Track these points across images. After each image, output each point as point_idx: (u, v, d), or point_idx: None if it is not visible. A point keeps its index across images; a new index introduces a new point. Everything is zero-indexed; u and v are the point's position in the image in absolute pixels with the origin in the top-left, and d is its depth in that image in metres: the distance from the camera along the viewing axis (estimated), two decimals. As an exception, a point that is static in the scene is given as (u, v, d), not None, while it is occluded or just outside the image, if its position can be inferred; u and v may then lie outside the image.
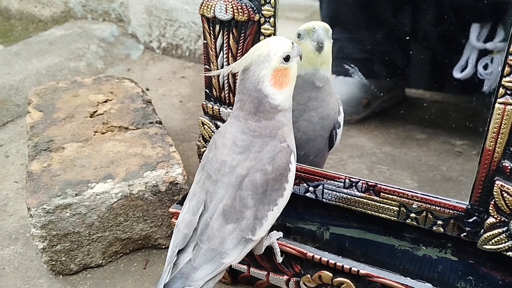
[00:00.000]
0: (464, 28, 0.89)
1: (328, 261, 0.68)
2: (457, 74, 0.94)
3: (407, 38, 0.97)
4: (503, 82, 0.58)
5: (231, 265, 0.75)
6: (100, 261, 0.86)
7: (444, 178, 0.92)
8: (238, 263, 0.76)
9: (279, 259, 0.71)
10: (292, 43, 0.59)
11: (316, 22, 0.70)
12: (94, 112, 1.04)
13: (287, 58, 0.57)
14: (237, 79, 0.62)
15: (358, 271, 0.66)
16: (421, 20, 0.96)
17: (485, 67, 0.97)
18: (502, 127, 0.59)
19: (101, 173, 0.84)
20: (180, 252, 0.58)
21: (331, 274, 0.69)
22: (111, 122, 1.00)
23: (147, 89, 1.51)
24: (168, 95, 1.52)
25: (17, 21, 2.15)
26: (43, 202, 0.78)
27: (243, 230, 0.57)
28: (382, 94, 1.06)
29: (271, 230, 0.71)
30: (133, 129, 0.98)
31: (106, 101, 1.09)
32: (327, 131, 0.76)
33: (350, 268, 0.67)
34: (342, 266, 0.67)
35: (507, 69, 0.57)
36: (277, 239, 0.71)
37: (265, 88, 0.57)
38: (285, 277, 0.74)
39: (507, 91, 0.58)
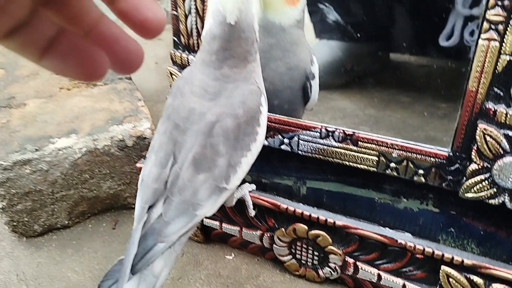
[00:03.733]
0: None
1: (302, 213, 0.65)
2: (443, 42, 0.90)
3: (392, 2, 0.93)
4: (487, 16, 0.54)
5: (203, 222, 0.72)
6: (66, 222, 0.81)
7: (428, 138, 0.89)
8: (210, 219, 0.72)
9: (252, 212, 0.67)
10: None
11: None
12: (60, 68, 0.98)
13: None
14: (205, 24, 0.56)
15: (334, 222, 0.63)
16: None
17: (472, 33, 0.93)
18: (485, 65, 0.55)
19: (65, 128, 0.78)
20: (149, 208, 0.53)
21: (306, 227, 0.66)
22: (77, 78, 0.94)
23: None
24: (143, 57, 1.46)
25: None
26: (1, 157, 0.72)
27: (216, 179, 0.53)
28: (366, 58, 1.01)
29: (243, 182, 0.67)
30: (101, 85, 0.92)
31: (73, 58, 1.03)
32: (298, 83, 0.71)
33: (326, 220, 0.63)
34: (318, 218, 0.64)
35: (491, 1, 0.52)
36: (250, 192, 0.67)
37: (256, 25, 0.54)
38: (259, 232, 0.70)
39: (492, 26, 0.53)
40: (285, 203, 0.66)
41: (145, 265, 0.49)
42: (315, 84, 0.74)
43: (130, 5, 0.22)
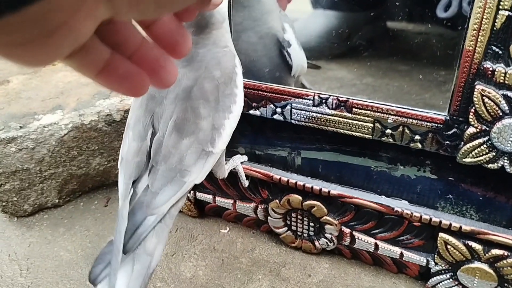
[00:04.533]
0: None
1: (296, 183, 0.63)
2: (441, 13, 0.87)
3: None
4: (486, -30, 0.51)
5: (196, 196, 0.70)
6: (57, 201, 0.79)
7: (427, 105, 0.87)
8: (203, 193, 0.70)
9: (245, 182, 0.65)
10: None
11: None
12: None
13: None
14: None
15: (329, 191, 0.61)
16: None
17: (470, 3, 0.89)
18: (483, 22, 0.53)
19: (50, 104, 0.76)
20: (133, 183, 0.51)
21: (300, 198, 0.64)
22: (62, 53, 0.91)
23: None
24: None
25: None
26: (-17, 136, 0.70)
27: (201, 142, 0.51)
28: (363, 27, 0.98)
29: (234, 154, 0.65)
30: (87, 60, 0.89)
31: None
32: (273, 50, 0.69)
33: (320, 189, 0.62)
34: (312, 187, 0.62)
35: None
36: (242, 163, 0.65)
37: None
38: (253, 204, 0.69)
39: (491, -20, 0.51)
40: (278, 174, 0.64)
41: (137, 243, 0.47)
42: (293, 51, 0.72)
43: (163, 30, 0.26)
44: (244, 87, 0.66)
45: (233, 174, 0.65)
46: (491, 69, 0.54)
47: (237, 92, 0.55)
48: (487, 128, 0.57)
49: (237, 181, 0.66)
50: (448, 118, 0.60)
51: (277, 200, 0.66)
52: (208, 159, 0.52)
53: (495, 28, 0.52)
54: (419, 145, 0.63)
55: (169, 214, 0.50)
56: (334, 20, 0.98)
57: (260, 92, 0.70)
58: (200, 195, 0.70)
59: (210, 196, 0.71)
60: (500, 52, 0.53)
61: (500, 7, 0.51)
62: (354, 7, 0.96)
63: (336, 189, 0.61)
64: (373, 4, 0.97)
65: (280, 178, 0.63)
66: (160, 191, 0.49)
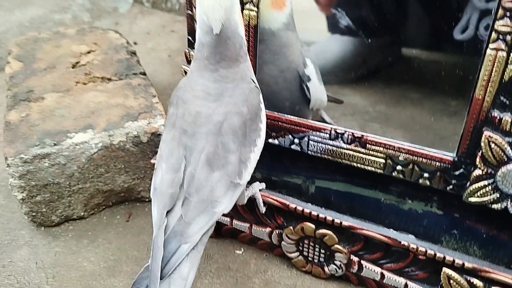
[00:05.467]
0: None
1: (310, 212, 0.67)
2: (457, 35, 0.90)
3: None
4: (495, 27, 0.55)
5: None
6: (82, 213, 0.84)
7: (437, 137, 0.91)
8: (222, 215, 0.75)
9: (262, 209, 0.69)
10: None
11: None
12: (77, 62, 1.01)
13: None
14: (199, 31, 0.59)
15: (341, 222, 0.65)
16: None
17: (487, 28, 0.92)
18: (492, 74, 0.57)
19: (81, 123, 0.81)
20: (167, 213, 0.55)
21: (313, 226, 0.68)
22: (93, 72, 0.96)
23: (135, 43, 1.47)
24: (156, 49, 1.48)
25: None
26: (20, 151, 0.75)
27: (230, 175, 0.55)
28: (377, 53, 1.02)
29: (253, 180, 0.69)
30: (116, 80, 0.95)
31: (89, 52, 1.05)
32: (294, 84, 0.74)
33: (333, 220, 0.66)
34: (325, 217, 0.66)
35: (500, 12, 0.54)
36: (260, 190, 0.70)
37: (241, 31, 0.57)
38: (268, 229, 0.73)
39: (500, 36, 0.55)
40: (294, 203, 0.68)
41: (172, 268, 0.51)
42: (313, 85, 0.76)
43: None
44: (266, 118, 0.71)
45: (251, 199, 0.69)
46: (498, 117, 0.58)
47: (261, 126, 0.60)
48: (493, 172, 0.61)
49: (255, 206, 0.71)
50: (456, 159, 0.64)
51: (291, 227, 0.70)
52: (236, 190, 0.57)
53: (503, 81, 0.56)
54: (428, 182, 0.67)
55: (200, 241, 0.55)
56: (349, 45, 1.02)
57: (279, 123, 0.74)
58: (219, 218, 0.75)
59: (228, 219, 0.75)
60: (507, 102, 0.57)
61: (509, 62, 0.55)
62: (370, 33, 1.00)
63: (347, 221, 0.65)
64: (389, 30, 1.01)
65: (295, 207, 0.67)
66: (193, 221, 0.53)
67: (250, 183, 0.69)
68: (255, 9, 0.68)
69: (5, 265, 0.77)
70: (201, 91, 0.57)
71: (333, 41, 0.98)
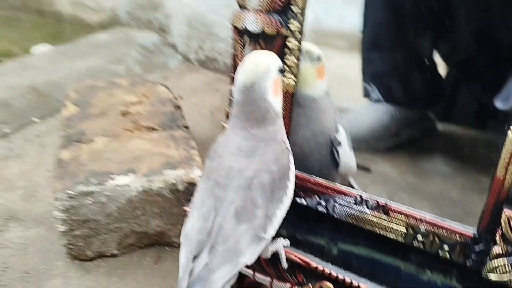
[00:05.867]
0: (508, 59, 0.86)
1: (330, 273, 0.69)
2: (498, 103, 0.91)
3: (447, 70, 0.97)
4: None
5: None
6: (115, 251, 0.89)
7: (465, 213, 0.92)
8: (245, 267, 0.78)
9: (285, 265, 0.72)
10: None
11: (312, 45, 0.76)
12: (126, 111, 1.10)
13: (281, 70, 0.65)
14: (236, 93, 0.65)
15: (359, 285, 0.67)
16: (459, 51, 0.95)
17: None
18: (513, 156, 0.60)
19: (125, 167, 0.88)
20: (194, 258, 0.59)
21: (332, 286, 0.70)
22: (140, 121, 1.05)
23: (181, 97, 1.57)
24: (200, 105, 1.57)
25: (68, 24, 2.27)
26: (67, 187, 0.82)
27: (255, 229, 0.59)
28: (412, 124, 1.06)
29: (278, 236, 0.73)
30: (160, 130, 1.02)
31: (138, 102, 1.14)
32: (325, 148, 0.79)
33: (351, 282, 0.68)
34: (343, 279, 0.68)
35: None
36: (284, 247, 0.73)
37: (269, 97, 0.63)
38: (288, 285, 0.75)
39: (521, 119, 0.58)
40: (315, 261, 0.71)
41: None
42: (343, 151, 0.80)
43: None
44: (295, 178, 0.75)
45: (274, 254, 0.72)
46: (519, 197, 0.61)
47: (289, 185, 0.64)
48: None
49: (277, 262, 0.74)
50: (476, 234, 0.66)
51: (310, 284, 0.72)
52: (260, 244, 0.61)
53: (523, 162, 0.59)
54: (447, 255, 0.69)
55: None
56: (383, 114, 1.07)
57: (308, 184, 0.78)
58: (242, 269, 0.78)
59: (251, 271, 0.78)
60: (527, 184, 0.60)
61: (529, 145, 0.58)
62: (406, 104, 1.04)
63: (365, 283, 0.67)
64: (425, 103, 1.05)
65: (316, 266, 0.70)
66: (218, 269, 0.57)
67: (275, 238, 0.72)
68: (294, 78, 0.75)
69: (38, 293, 0.82)
70: (234, 147, 0.63)
71: (367, 109, 1.03)
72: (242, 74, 0.62)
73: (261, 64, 0.63)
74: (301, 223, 0.81)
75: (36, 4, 2.37)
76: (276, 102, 0.64)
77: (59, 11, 2.31)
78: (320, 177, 0.79)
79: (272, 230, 0.62)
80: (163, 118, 1.07)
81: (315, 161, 0.81)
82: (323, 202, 0.78)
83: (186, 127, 1.05)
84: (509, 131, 0.60)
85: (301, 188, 0.79)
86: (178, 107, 1.15)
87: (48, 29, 2.21)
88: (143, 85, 1.26)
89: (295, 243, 0.76)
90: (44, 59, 1.72)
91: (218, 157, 0.64)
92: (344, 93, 1.03)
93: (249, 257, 0.60)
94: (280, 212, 0.63)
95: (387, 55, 1.01)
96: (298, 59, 0.74)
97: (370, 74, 1.01)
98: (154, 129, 1.03)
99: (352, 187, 0.80)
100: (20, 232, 0.96)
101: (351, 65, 1.05)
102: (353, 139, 0.83)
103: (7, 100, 1.42)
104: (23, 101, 1.44)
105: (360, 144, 0.84)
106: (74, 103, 1.13)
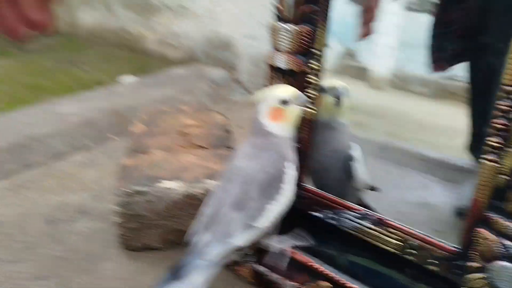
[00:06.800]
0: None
1: (327, 274, 0.80)
2: None
3: None
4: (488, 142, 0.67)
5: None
6: (158, 245, 1.05)
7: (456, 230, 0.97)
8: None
9: (284, 265, 0.85)
10: (298, 94, 0.80)
11: (338, 81, 0.91)
12: (183, 131, 1.28)
13: (284, 102, 0.79)
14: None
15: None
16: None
17: None
18: (487, 180, 0.68)
19: (174, 175, 1.05)
20: (200, 235, 0.76)
21: (330, 285, 0.81)
22: (193, 141, 1.22)
23: (240, 127, 1.74)
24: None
25: (153, 60, 2.58)
26: (125, 186, 1.01)
27: (247, 217, 0.75)
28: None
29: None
30: (209, 149, 1.19)
31: (195, 125, 1.33)
32: (341, 162, 0.91)
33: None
34: (338, 280, 0.79)
35: (491, 130, 0.67)
36: (292, 248, 0.85)
37: (261, 118, 0.80)
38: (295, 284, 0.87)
39: (491, 149, 0.67)
40: (318, 263, 0.83)
41: (186, 272, 0.71)
42: (356, 165, 0.93)
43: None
44: (312, 193, 0.88)
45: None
46: (492, 218, 0.69)
47: (283, 186, 0.78)
48: (486, 266, 0.70)
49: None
50: (458, 250, 0.74)
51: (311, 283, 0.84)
52: (251, 231, 0.76)
53: (497, 187, 0.67)
54: (435, 268, 0.77)
55: (215, 264, 0.74)
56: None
57: (322, 199, 0.90)
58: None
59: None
60: (501, 206, 0.68)
61: (500, 172, 0.67)
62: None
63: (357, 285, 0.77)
64: None
65: (317, 268, 0.82)
66: (213, 245, 0.74)
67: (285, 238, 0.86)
68: (315, 108, 0.88)
69: (93, 270, 1.00)
70: (243, 152, 0.81)
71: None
72: (257, 96, 0.80)
73: (263, 93, 0.81)
74: (316, 234, 0.93)
75: (129, 42, 2.73)
76: (273, 125, 0.79)
77: (148, 48, 2.64)
78: (335, 194, 0.90)
79: (263, 221, 0.76)
80: (213, 139, 1.24)
81: (334, 176, 0.94)
82: (335, 217, 0.89)
83: (231, 147, 1.21)
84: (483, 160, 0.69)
85: (316, 202, 0.91)
86: (228, 132, 1.31)
87: (136, 63, 2.53)
88: (203, 112, 1.45)
89: (308, 250, 0.88)
90: (128, 88, 1.99)
91: (232, 159, 0.82)
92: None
93: (240, 241, 0.75)
94: (271, 207, 0.77)
95: None
96: (317, 92, 0.88)
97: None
98: (203, 147, 1.20)
99: (361, 203, 0.91)
100: (87, 223, 1.16)
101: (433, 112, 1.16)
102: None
103: (93, 120, 1.69)
104: (105, 121, 1.70)
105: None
106: (143, 123, 1.34)
